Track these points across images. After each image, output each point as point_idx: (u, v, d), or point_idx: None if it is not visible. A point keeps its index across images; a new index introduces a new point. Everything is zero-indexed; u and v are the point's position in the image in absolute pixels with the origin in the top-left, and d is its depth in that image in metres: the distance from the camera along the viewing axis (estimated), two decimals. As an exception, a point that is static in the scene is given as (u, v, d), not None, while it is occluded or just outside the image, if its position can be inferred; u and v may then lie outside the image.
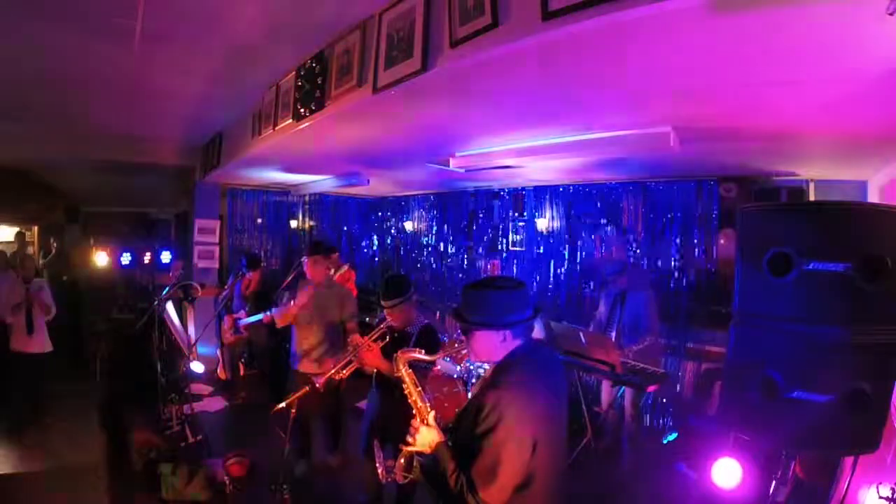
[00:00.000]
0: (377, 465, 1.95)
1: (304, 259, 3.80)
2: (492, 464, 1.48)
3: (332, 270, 6.27)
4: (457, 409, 1.87)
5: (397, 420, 2.18)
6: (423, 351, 1.95)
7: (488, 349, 1.66)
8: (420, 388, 1.85)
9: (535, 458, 1.52)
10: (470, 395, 2.29)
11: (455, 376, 4.59)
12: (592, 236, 5.52)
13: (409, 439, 1.71)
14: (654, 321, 4.13)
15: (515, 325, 1.62)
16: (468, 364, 2.91)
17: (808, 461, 2.53)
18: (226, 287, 5.66)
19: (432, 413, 1.76)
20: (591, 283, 5.47)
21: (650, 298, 4.20)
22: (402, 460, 1.79)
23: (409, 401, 1.82)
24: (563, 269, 5.79)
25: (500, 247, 6.48)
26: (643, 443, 4.31)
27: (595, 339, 3.87)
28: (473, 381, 3.60)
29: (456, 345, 2.10)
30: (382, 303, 2.83)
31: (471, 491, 1.48)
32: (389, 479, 1.90)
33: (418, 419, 1.75)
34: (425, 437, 1.68)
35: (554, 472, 1.61)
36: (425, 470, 1.71)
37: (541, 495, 1.56)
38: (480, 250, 6.75)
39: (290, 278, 5.46)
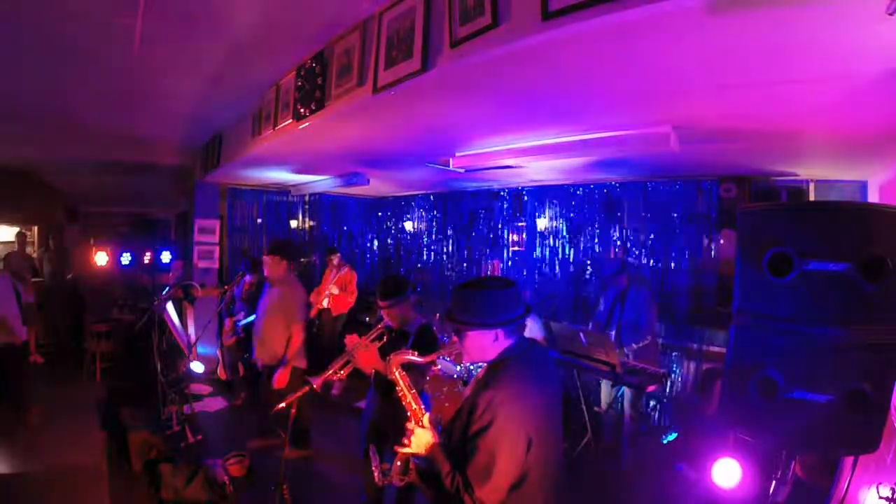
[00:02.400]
0: (373, 468, 1.94)
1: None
2: (487, 462, 1.48)
3: (334, 272, 6.26)
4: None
5: (396, 420, 2.18)
6: (417, 353, 1.94)
7: (481, 349, 1.66)
8: (414, 391, 1.85)
9: (529, 456, 1.52)
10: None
11: (455, 376, 4.60)
12: (593, 237, 5.53)
13: (405, 441, 1.71)
14: (653, 320, 4.13)
15: (507, 323, 1.63)
16: (468, 364, 2.91)
17: (808, 461, 2.53)
18: (225, 287, 5.66)
19: (427, 415, 1.76)
20: (592, 279, 5.48)
21: (649, 298, 4.21)
22: (399, 463, 1.79)
23: (404, 403, 1.82)
24: (562, 269, 5.79)
25: (500, 247, 6.48)
26: (643, 443, 4.31)
27: (595, 339, 3.87)
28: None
29: (454, 345, 2.09)
30: (379, 303, 2.82)
31: (467, 490, 1.49)
32: (386, 483, 1.90)
33: (413, 422, 1.75)
34: (420, 439, 1.67)
35: (549, 469, 1.62)
36: (421, 472, 1.71)
37: (536, 492, 1.57)
38: (480, 250, 6.75)
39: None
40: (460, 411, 1.68)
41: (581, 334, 3.90)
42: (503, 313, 1.62)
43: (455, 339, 1.73)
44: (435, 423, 1.75)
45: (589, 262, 5.56)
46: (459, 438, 1.59)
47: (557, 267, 5.83)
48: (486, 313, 1.61)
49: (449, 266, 7.21)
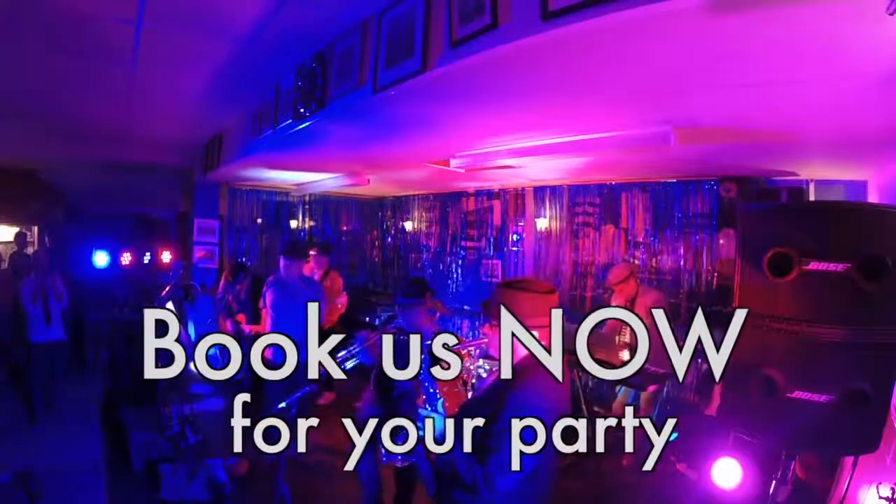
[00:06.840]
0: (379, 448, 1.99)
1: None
2: (510, 458, 1.55)
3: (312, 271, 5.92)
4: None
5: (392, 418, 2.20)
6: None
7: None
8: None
9: (543, 451, 1.60)
10: (480, 385, 2.33)
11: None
12: (593, 237, 5.52)
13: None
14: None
15: (542, 328, 1.68)
16: (468, 364, 2.94)
17: (808, 461, 2.53)
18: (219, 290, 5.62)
19: (441, 401, 1.83)
20: (592, 279, 5.48)
21: (660, 301, 4.09)
22: (403, 447, 1.83)
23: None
24: (562, 269, 5.78)
25: (500, 247, 6.47)
26: (643, 443, 4.29)
27: (595, 339, 3.86)
28: (474, 380, 3.61)
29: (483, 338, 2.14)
30: (396, 299, 2.93)
31: (486, 484, 1.56)
32: (387, 462, 1.94)
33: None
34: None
35: (555, 463, 1.73)
36: (438, 465, 1.76)
37: (544, 485, 1.68)
38: (481, 250, 6.74)
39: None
40: (479, 403, 1.74)
41: (581, 334, 3.88)
42: (541, 318, 1.67)
43: (486, 331, 1.77)
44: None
45: (588, 262, 5.55)
46: (481, 433, 1.64)
47: (557, 267, 5.82)
48: (523, 315, 1.66)
49: (448, 266, 7.20)
